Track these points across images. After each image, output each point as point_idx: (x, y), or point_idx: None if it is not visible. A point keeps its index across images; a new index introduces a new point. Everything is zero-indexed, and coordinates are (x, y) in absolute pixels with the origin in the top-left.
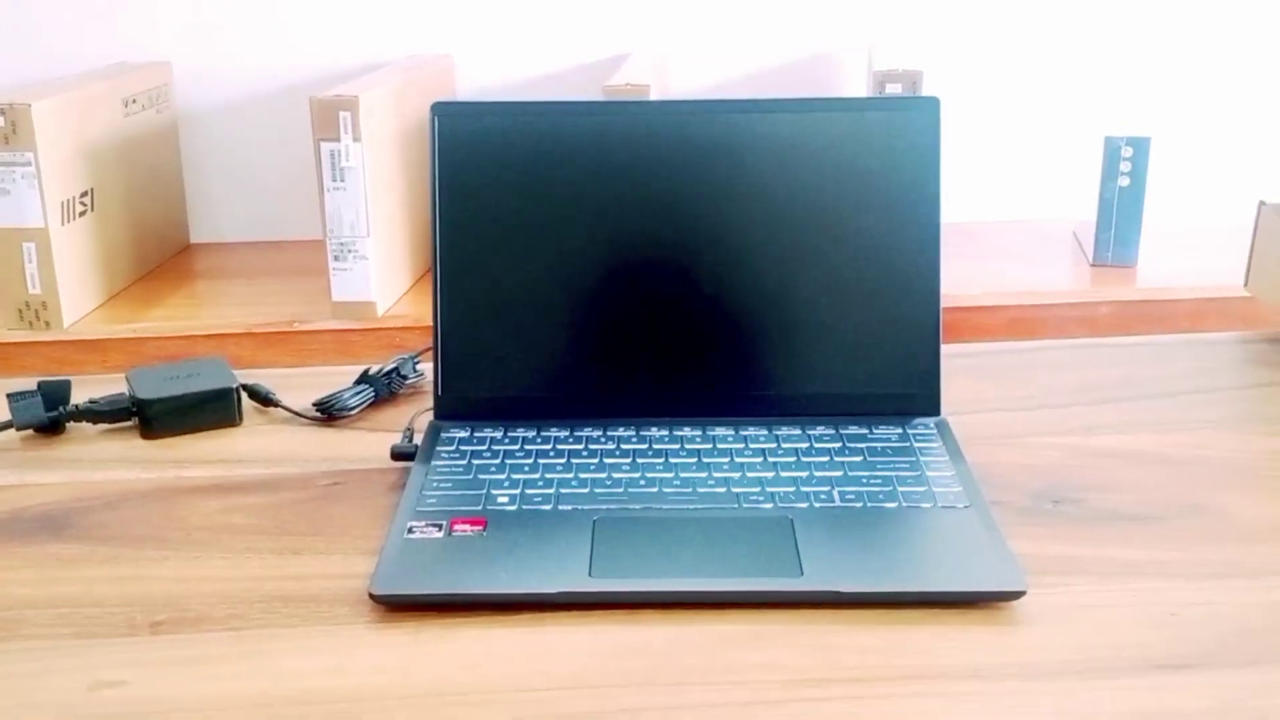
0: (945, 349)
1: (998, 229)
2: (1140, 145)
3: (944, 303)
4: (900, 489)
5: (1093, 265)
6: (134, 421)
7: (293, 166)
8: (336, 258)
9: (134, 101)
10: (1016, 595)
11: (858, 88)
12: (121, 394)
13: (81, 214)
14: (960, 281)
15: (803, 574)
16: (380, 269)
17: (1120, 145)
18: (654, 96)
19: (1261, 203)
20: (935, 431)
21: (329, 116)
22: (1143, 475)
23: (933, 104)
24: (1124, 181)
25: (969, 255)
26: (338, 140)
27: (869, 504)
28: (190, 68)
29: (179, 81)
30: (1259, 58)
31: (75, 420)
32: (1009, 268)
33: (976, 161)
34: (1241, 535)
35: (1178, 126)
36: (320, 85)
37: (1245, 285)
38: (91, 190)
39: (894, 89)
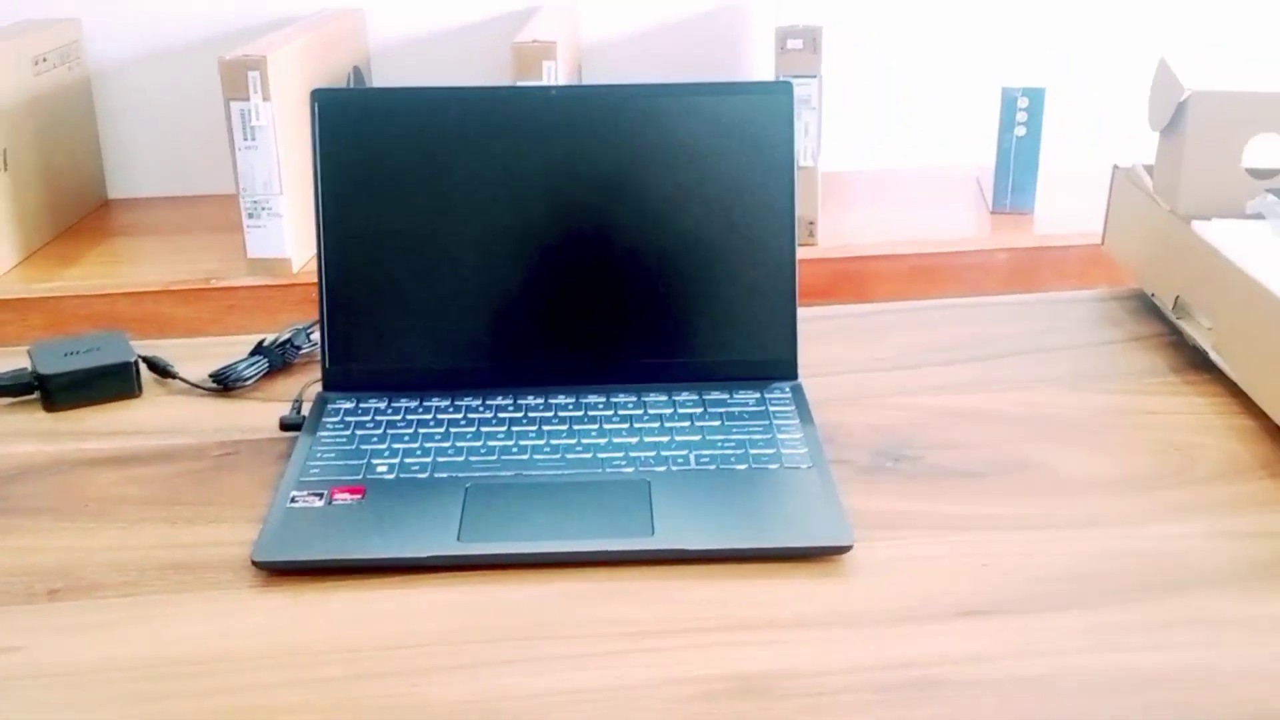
0: (814, 311)
1: (906, 176)
2: (1036, 96)
3: (848, 253)
4: (751, 451)
5: (992, 212)
6: (36, 395)
7: (207, 122)
8: (250, 215)
9: (44, 60)
10: (844, 549)
11: (765, 39)
12: (23, 368)
13: None
14: (865, 230)
15: (654, 534)
16: (295, 226)
17: (1017, 96)
18: (561, 51)
19: (1115, 166)
20: (790, 396)
21: (238, 76)
22: (979, 433)
23: (786, 88)
24: (1020, 131)
25: (875, 202)
26: (247, 100)
27: (721, 466)
28: (100, 23)
29: (89, 37)
30: (1149, 11)
31: None
32: (913, 215)
33: (886, 111)
34: (1062, 489)
35: (1074, 77)
36: (232, 39)
37: (1102, 244)
38: (4, 151)
39: (794, 44)
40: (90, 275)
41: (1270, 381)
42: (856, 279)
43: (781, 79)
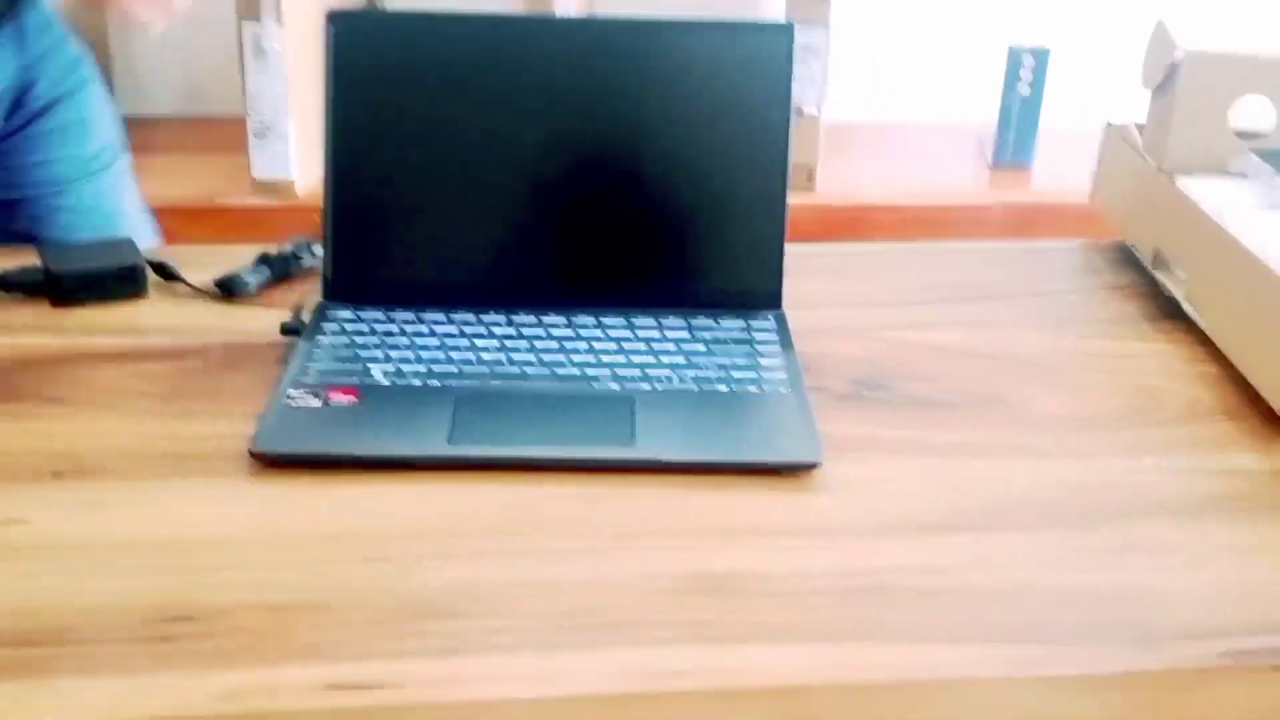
0: (803, 248)
1: (907, 129)
2: (1041, 56)
3: (849, 201)
4: (733, 374)
5: (991, 168)
6: (45, 292)
7: (218, 41)
8: (257, 136)
9: None
10: (813, 466)
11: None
12: (34, 265)
13: None
14: (866, 181)
15: (635, 444)
16: (300, 148)
17: (1023, 55)
18: None
19: (1108, 124)
20: (774, 324)
21: None
22: (956, 368)
23: (787, 30)
24: (1024, 90)
25: (878, 155)
26: (259, 20)
27: (703, 387)
28: None
29: None
30: None
31: None
32: (914, 167)
33: (892, 63)
34: (1030, 423)
35: (1079, 37)
36: None
37: (1090, 198)
38: None
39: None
40: None
41: (1237, 331)
42: (853, 227)
43: (786, 21)
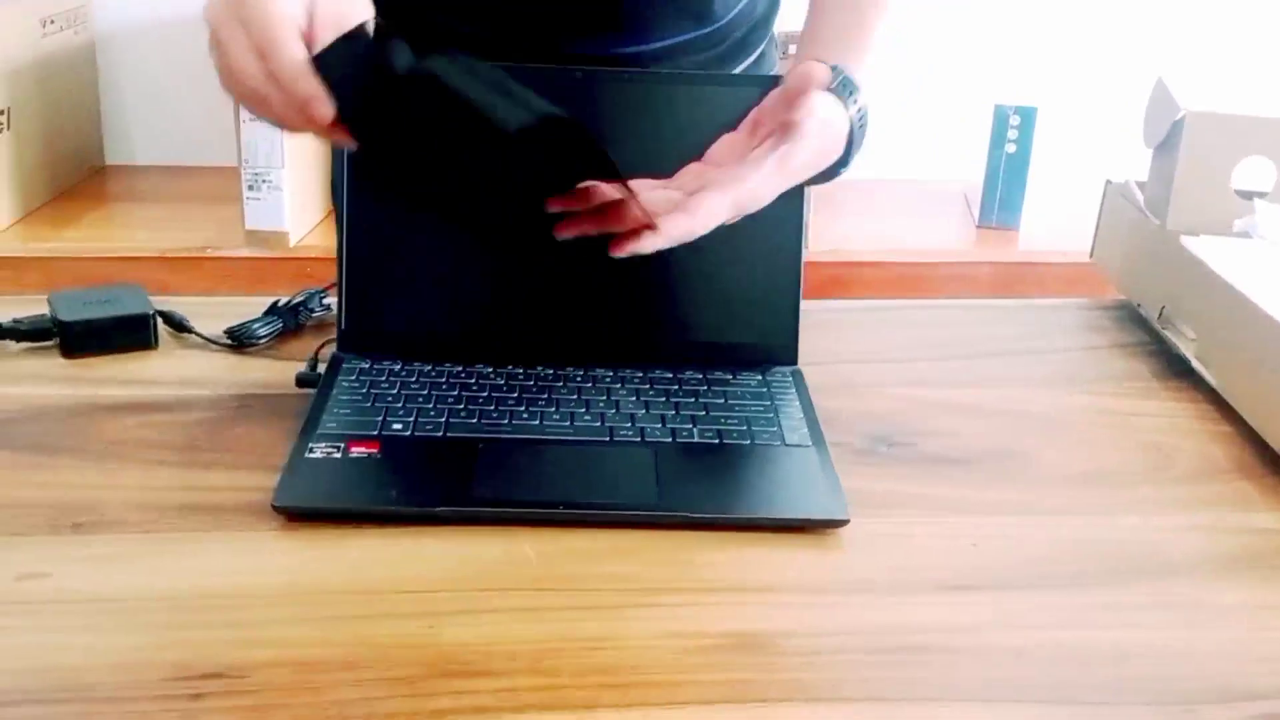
0: (813, 305)
1: (894, 187)
2: (1028, 114)
3: (836, 258)
4: (753, 428)
5: (978, 226)
6: (54, 342)
7: (210, 92)
8: (251, 187)
9: (52, 22)
10: (841, 524)
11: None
12: (43, 315)
13: None
14: (854, 238)
15: (659, 499)
16: (294, 200)
17: (1009, 113)
18: None
19: (1108, 181)
20: (790, 380)
21: None
22: (968, 424)
23: None
24: (1011, 148)
25: (865, 212)
26: None
27: (725, 440)
28: None
29: (98, 3)
30: (1141, 33)
31: None
32: (901, 224)
33: (878, 122)
34: (1045, 480)
35: (1066, 97)
36: None
37: (1091, 256)
38: (8, 110)
39: (795, 49)
40: (87, 238)
41: (1249, 389)
42: (842, 285)
43: None
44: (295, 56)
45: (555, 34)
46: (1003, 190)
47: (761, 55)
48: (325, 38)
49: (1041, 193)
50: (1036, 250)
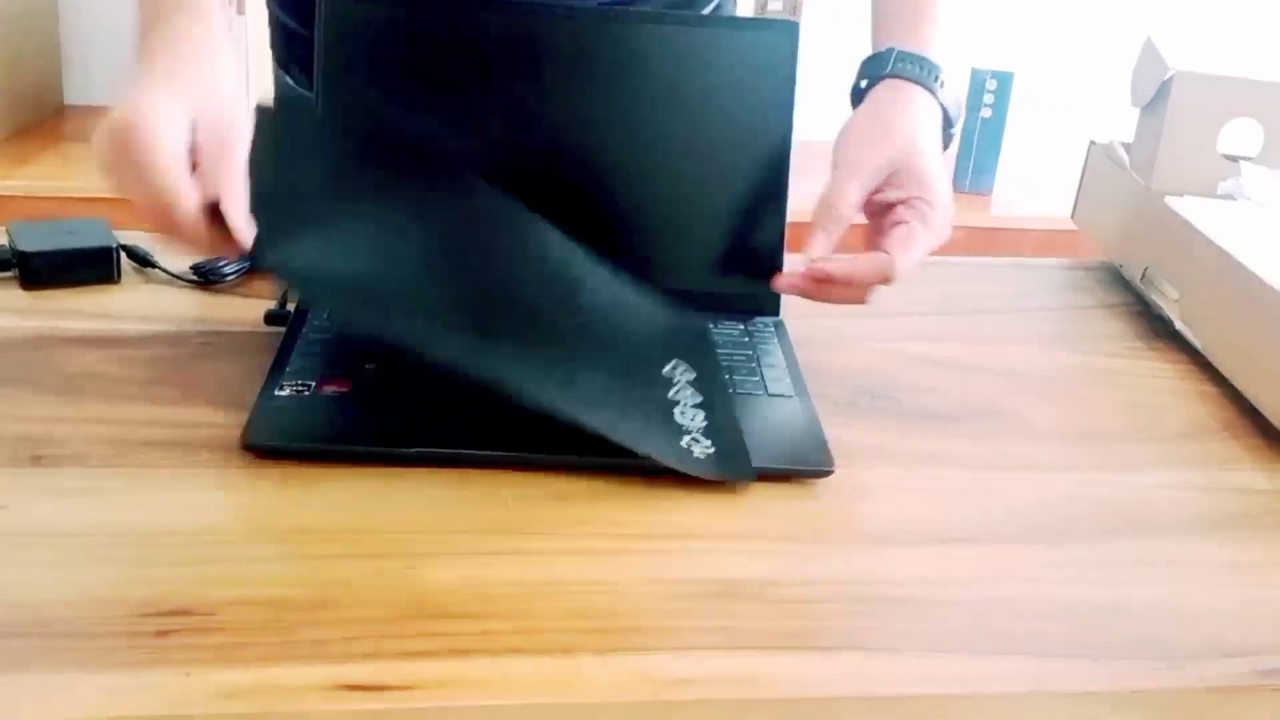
0: (791, 259)
1: None
2: (1004, 79)
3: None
4: (735, 378)
5: (953, 191)
6: (14, 273)
7: None
8: None
9: None
10: (826, 473)
11: (744, 1)
12: (2, 245)
13: None
14: None
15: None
16: None
17: (985, 78)
18: None
19: (1092, 142)
20: (773, 330)
21: None
22: (954, 380)
23: (793, 27)
24: (986, 113)
25: None
26: None
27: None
28: None
29: None
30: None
31: None
32: None
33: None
34: (1033, 436)
35: (1042, 63)
36: None
37: (1072, 217)
38: None
39: (775, 7)
40: (44, 176)
41: (1234, 349)
42: None
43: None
44: (190, 210)
45: None
46: (977, 155)
47: (719, 4)
48: (211, 162)
49: (1016, 157)
50: (1010, 216)
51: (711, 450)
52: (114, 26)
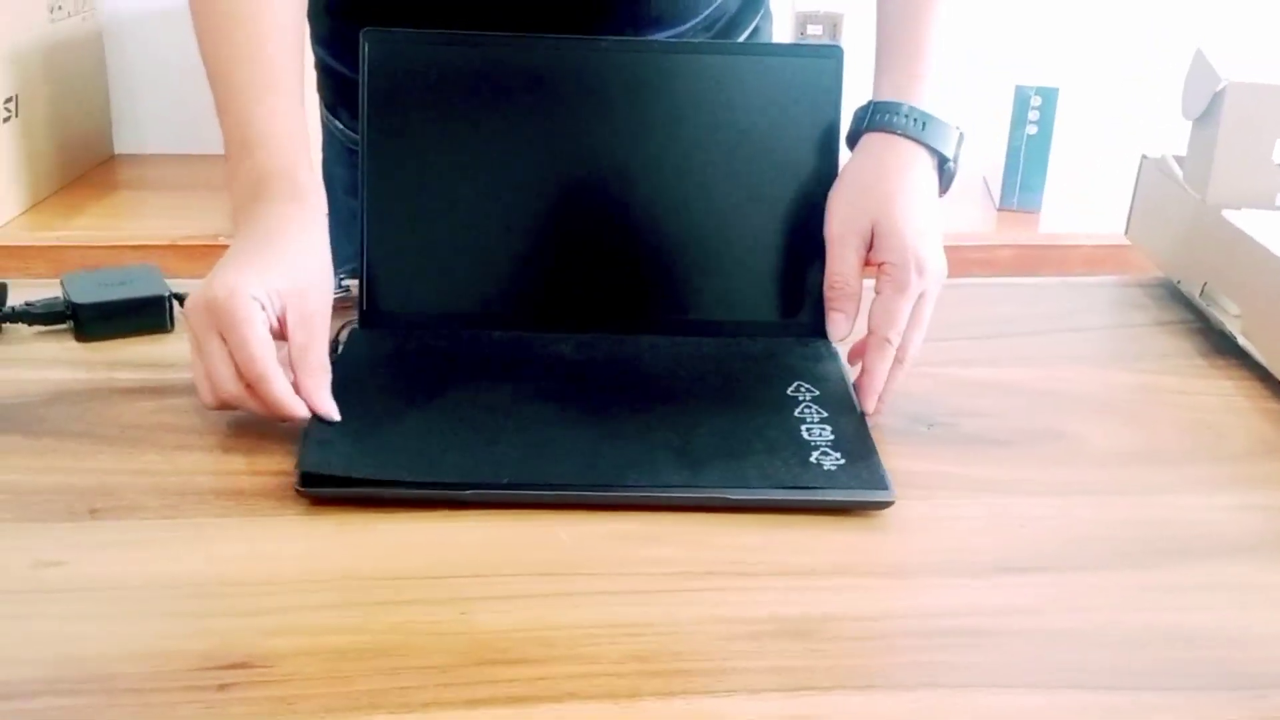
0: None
1: None
2: (1049, 95)
3: None
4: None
5: (999, 209)
6: (68, 325)
7: None
8: None
9: (59, 8)
10: (886, 505)
11: (785, 23)
12: (56, 297)
13: (5, 120)
14: None
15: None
16: None
17: (1030, 94)
18: None
19: (1144, 156)
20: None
21: None
22: (1009, 404)
23: (837, 53)
24: (1032, 130)
25: None
26: None
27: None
28: None
29: None
30: (1164, 13)
31: (11, 322)
32: None
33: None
34: (1092, 459)
35: (1087, 78)
36: None
37: (1125, 233)
38: (15, 97)
39: (815, 30)
40: (95, 227)
41: None
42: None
43: (834, 44)
44: (285, 391)
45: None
46: (1024, 172)
47: (756, 30)
48: (299, 352)
49: (1062, 174)
50: (1058, 233)
51: (841, 461)
52: (162, 73)
